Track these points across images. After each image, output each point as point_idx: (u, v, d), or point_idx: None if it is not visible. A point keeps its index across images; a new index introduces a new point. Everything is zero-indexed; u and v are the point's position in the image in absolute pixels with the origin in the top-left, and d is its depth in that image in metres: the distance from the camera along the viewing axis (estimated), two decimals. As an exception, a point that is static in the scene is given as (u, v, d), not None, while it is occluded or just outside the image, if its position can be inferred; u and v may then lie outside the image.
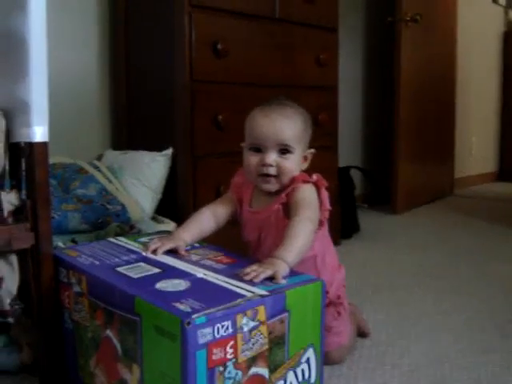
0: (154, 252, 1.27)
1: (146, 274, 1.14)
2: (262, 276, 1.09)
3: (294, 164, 1.35)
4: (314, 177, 1.36)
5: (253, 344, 1.00)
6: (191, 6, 1.94)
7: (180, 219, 1.79)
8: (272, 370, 1.04)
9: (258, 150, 1.35)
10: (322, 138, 2.38)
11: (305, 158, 1.41)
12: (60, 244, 1.53)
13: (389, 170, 3.62)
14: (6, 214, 1.22)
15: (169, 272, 1.15)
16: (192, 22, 1.94)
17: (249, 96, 2.08)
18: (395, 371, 1.42)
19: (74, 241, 1.64)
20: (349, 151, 3.50)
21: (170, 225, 1.87)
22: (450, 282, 2.14)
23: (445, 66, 4.12)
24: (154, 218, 1.95)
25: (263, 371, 1.03)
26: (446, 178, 4.30)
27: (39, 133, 1.20)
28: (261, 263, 1.14)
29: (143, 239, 1.40)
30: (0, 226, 1.19)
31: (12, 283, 1.25)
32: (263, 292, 1.03)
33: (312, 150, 1.42)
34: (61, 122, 1.99)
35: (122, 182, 1.95)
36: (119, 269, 1.17)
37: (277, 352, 1.05)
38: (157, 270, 1.16)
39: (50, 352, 1.26)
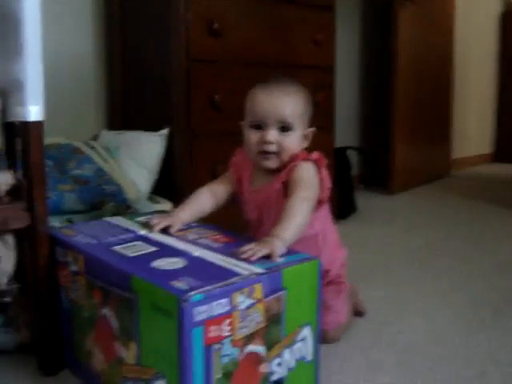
0: (151, 230, 1.27)
1: (143, 252, 1.14)
2: (259, 254, 1.09)
3: (294, 141, 1.35)
4: (315, 155, 1.35)
5: (249, 322, 1.00)
6: (187, -16, 1.93)
7: (176, 199, 1.79)
8: (268, 348, 1.05)
9: (259, 127, 1.34)
10: (319, 118, 2.37)
11: (305, 137, 1.40)
12: (56, 224, 1.53)
13: (386, 150, 3.61)
14: (2, 193, 1.22)
15: (165, 250, 1.15)
16: (188, 1, 1.93)
17: (245, 75, 2.07)
18: (391, 349, 1.42)
19: (70, 221, 1.64)
20: (345, 131, 3.49)
21: (166, 205, 1.87)
22: (447, 262, 2.15)
23: (442, 46, 4.10)
24: (150, 198, 1.95)
25: (260, 349, 1.03)
26: (442, 159, 4.30)
27: (34, 112, 1.19)
28: (258, 242, 1.14)
29: (140, 219, 1.40)
30: (-4, 206, 1.19)
31: (8, 263, 1.25)
32: (260, 270, 1.03)
33: (312, 129, 1.41)
34: (57, 102, 1.98)
35: (118, 162, 1.95)
36: (116, 247, 1.17)
37: (273, 330, 1.05)
38: (153, 249, 1.16)
39: (47, 331, 1.27)
